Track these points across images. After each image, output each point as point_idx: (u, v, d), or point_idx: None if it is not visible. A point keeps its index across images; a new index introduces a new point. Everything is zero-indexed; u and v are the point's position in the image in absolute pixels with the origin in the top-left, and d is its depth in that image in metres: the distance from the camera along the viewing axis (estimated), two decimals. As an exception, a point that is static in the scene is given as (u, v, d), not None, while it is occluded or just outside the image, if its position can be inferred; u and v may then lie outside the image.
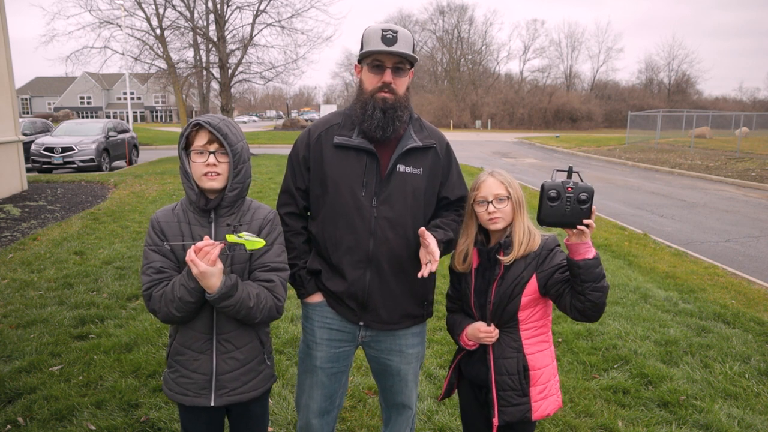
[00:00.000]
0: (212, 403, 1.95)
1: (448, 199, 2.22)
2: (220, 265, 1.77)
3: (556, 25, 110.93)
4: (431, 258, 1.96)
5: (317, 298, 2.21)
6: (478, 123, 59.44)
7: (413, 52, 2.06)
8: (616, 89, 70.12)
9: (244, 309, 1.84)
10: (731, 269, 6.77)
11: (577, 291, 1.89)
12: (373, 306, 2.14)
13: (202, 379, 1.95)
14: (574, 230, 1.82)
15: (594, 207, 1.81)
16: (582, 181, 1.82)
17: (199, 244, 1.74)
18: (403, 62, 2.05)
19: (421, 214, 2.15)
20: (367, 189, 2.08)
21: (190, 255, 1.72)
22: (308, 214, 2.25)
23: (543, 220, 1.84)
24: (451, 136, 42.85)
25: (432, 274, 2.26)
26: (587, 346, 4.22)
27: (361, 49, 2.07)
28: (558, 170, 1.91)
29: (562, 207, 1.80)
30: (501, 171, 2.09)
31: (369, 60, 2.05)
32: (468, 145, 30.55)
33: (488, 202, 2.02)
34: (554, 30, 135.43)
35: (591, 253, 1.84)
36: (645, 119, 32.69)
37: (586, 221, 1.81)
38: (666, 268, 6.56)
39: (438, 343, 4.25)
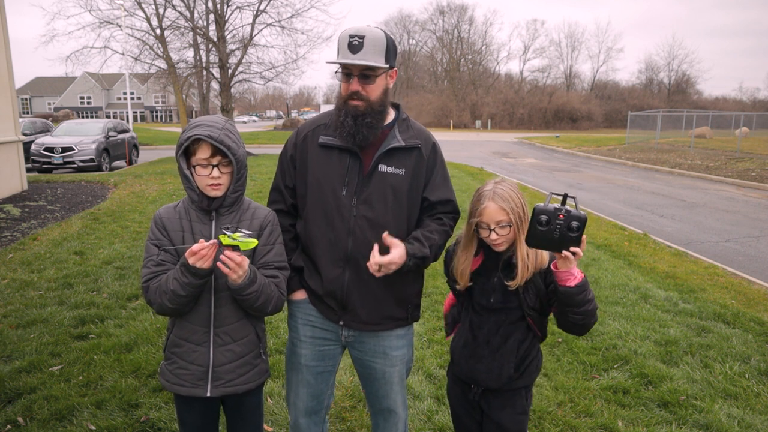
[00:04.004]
0: (208, 394, 2.01)
1: (428, 200, 2.17)
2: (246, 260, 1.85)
3: (556, 25, 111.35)
4: (385, 267, 1.95)
5: (300, 295, 2.22)
6: (478, 123, 59.43)
7: (387, 52, 2.01)
8: (616, 89, 70.17)
9: (264, 295, 1.93)
10: (731, 269, 6.76)
11: (560, 311, 1.93)
12: (352, 306, 2.13)
13: (198, 370, 2.00)
14: (561, 254, 1.82)
15: (584, 237, 1.79)
16: (576, 208, 1.79)
17: (195, 247, 1.78)
18: (371, 68, 2.01)
19: (404, 214, 2.13)
20: (348, 188, 2.08)
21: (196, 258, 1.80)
22: (297, 212, 2.26)
23: (529, 242, 1.84)
24: (451, 136, 42.49)
25: (418, 279, 2.25)
26: (587, 346, 4.22)
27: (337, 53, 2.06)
28: (553, 194, 1.89)
29: (551, 233, 1.79)
30: (503, 190, 2.00)
31: (339, 68, 2.04)
32: (468, 145, 30.55)
33: (490, 230, 1.99)
34: (554, 30, 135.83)
35: (573, 281, 1.84)
36: (645, 119, 32.68)
37: (573, 249, 1.79)
38: (666, 268, 6.56)
39: (438, 343, 4.25)
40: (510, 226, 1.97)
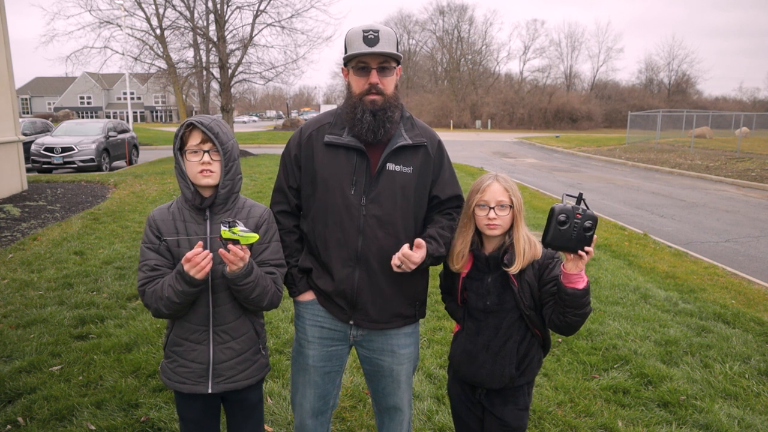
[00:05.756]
0: (210, 390, 2.03)
1: (438, 198, 2.21)
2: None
3: (556, 25, 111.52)
4: (406, 263, 1.99)
5: (308, 296, 2.22)
6: (478, 123, 59.44)
7: (397, 49, 2.05)
8: (616, 89, 70.13)
9: (260, 287, 1.94)
10: (731, 269, 6.77)
11: (559, 311, 1.94)
12: (362, 305, 2.14)
13: (199, 368, 2.02)
14: (573, 256, 1.85)
15: (595, 236, 1.85)
16: (588, 208, 1.85)
17: (189, 254, 1.80)
18: (388, 61, 2.03)
19: (411, 212, 2.14)
20: (356, 187, 2.08)
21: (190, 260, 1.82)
22: (300, 212, 2.26)
23: (549, 243, 1.86)
24: (451, 136, 42.38)
25: (425, 275, 2.27)
26: (587, 346, 4.22)
27: (345, 51, 2.06)
28: (567, 195, 1.92)
29: (569, 232, 1.83)
30: (505, 176, 2.08)
31: (354, 63, 2.04)
32: (468, 145, 30.55)
33: (490, 208, 2.01)
34: (554, 30, 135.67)
35: (581, 284, 1.87)
36: (645, 119, 32.68)
37: (587, 248, 1.83)
38: (666, 268, 6.56)
39: (438, 343, 4.25)
40: (510, 207, 2.01)
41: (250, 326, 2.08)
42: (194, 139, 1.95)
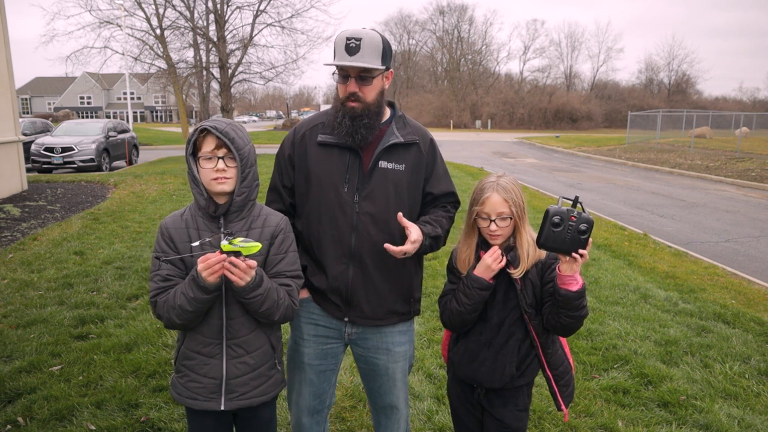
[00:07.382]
0: (222, 407, 1.95)
1: (432, 194, 2.23)
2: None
3: (556, 25, 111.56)
4: (407, 246, 2.00)
5: (303, 293, 2.22)
6: (478, 123, 59.45)
7: (383, 55, 2.04)
8: (616, 89, 70.14)
9: (270, 300, 1.87)
10: (731, 269, 6.76)
11: (554, 311, 1.96)
12: (356, 301, 2.16)
13: (211, 383, 1.94)
14: (568, 258, 1.86)
15: (590, 240, 1.86)
16: (584, 212, 1.87)
17: (210, 261, 1.74)
18: (368, 70, 2.03)
19: (405, 209, 2.15)
20: (349, 185, 2.11)
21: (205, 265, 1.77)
22: (295, 211, 2.27)
23: (543, 243, 1.88)
24: (451, 136, 42.36)
25: (419, 272, 2.30)
26: (587, 346, 4.22)
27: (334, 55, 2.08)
28: (564, 198, 1.94)
29: (563, 234, 1.84)
30: (505, 182, 2.05)
31: (336, 69, 2.07)
32: (468, 145, 30.56)
33: (491, 220, 2.01)
34: (554, 30, 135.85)
35: (575, 287, 1.88)
36: (645, 119, 32.68)
37: (581, 251, 1.84)
38: (666, 268, 6.56)
39: (438, 343, 4.25)
40: (510, 218, 2.02)
41: (265, 340, 1.99)
42: (208, 145, 1.86)
